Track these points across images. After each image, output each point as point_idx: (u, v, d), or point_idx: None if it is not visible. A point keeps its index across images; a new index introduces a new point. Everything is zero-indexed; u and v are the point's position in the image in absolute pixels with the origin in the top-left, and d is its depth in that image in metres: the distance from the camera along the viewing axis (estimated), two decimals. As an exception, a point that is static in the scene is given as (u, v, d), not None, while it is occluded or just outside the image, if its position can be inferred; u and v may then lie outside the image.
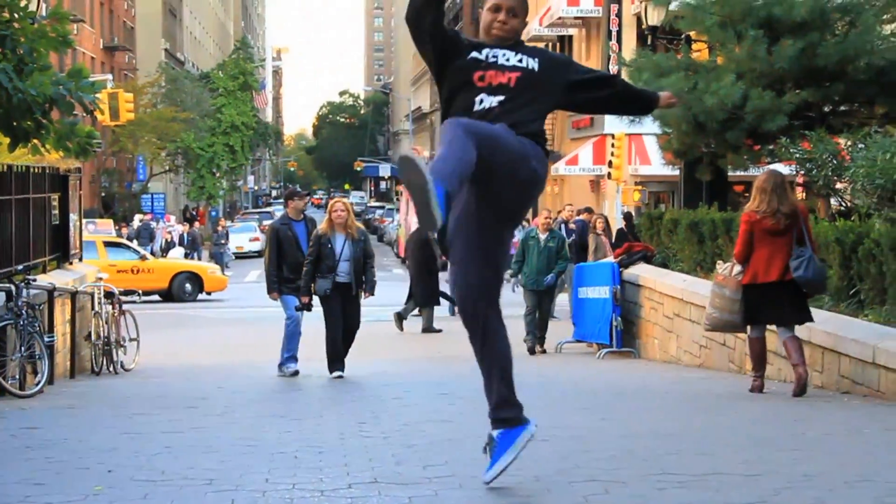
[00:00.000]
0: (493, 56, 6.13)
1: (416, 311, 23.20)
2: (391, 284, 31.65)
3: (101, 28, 63.34)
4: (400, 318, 22.76)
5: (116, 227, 44.12)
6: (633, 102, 6.73)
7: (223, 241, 47.67)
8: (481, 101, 6.04)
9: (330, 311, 13.64)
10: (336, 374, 13.37)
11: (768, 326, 10.82)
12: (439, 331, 22.14)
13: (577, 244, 23.66)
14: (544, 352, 18.06)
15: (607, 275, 17.51)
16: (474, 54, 6.15)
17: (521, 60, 6.16)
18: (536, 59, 6.18)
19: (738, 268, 10.71)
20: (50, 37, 11.22)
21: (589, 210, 27.05)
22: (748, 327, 10.86)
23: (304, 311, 13.95)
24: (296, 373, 13.71)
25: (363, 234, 13.96)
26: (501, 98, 6.03)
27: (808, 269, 10.24)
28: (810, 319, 10.65)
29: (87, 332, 15.38)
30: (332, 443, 7.74)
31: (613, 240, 22.85)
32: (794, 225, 10.39)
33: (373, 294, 13.99)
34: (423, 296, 22.57)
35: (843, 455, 7.10)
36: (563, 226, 24.60)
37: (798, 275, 10.27)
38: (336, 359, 13.51)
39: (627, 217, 26.28)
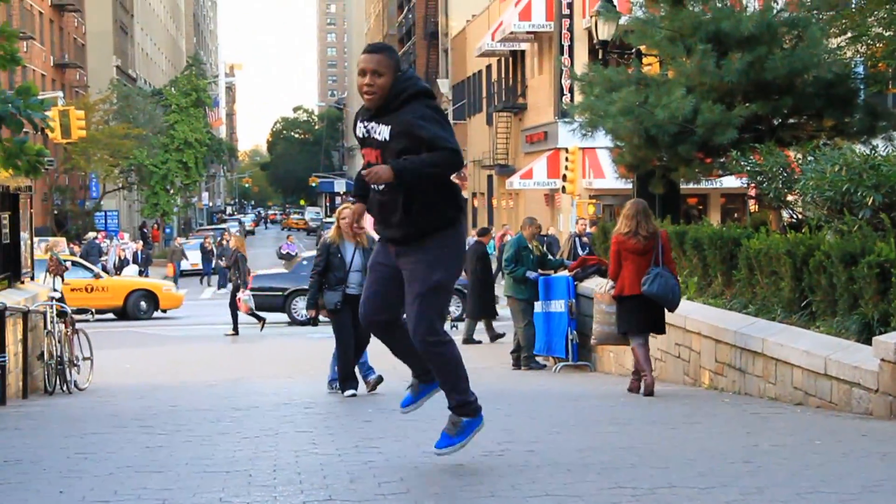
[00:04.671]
0: (366, 131, 6.87)
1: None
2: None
3: (52, 45, 62.93)
4: (468, 342, 22.84)
5: (70, 246, 43.76)
6: None
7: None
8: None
9: (341, 325, 12.78)
10: (350, 392, 12.69)
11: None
12: (479, 342, 22.59)
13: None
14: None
15: (563, 288, 17.56)
16: (359, 130, 6.94)
17: (379, 133, 6.81)
18: (389, 126, 6.77)
19: (609, 284, 12.37)
20: (-2, 55, 11.15)
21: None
22: (629, 339, 12.26)
23: (312, 326, 13.09)
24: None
25: (374, 243, 13.17)
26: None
27: (653, 284, 11.72)
28: (661, 332, 12.43)
29: (39, 352, 15.23)
30: (287, 461, 7.71)
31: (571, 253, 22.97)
32: (655, 246, 11.86)
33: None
34: (476, 307, 22.68)
35: (795, 467, 7.16)
36: (576, 239, 24.70)
37: (644, 289, 11.77)
38: (348, 377, 12.79)
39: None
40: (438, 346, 6.89)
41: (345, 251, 12.81)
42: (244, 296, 26.81)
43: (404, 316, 7.09)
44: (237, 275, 27.04)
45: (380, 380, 13.10)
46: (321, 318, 13.29)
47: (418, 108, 6.75)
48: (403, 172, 6.58)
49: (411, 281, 6.87)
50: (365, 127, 6.87)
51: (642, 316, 11.99)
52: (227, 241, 51.26)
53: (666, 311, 12.18)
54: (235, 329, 27.06)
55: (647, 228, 11.94)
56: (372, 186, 6.84)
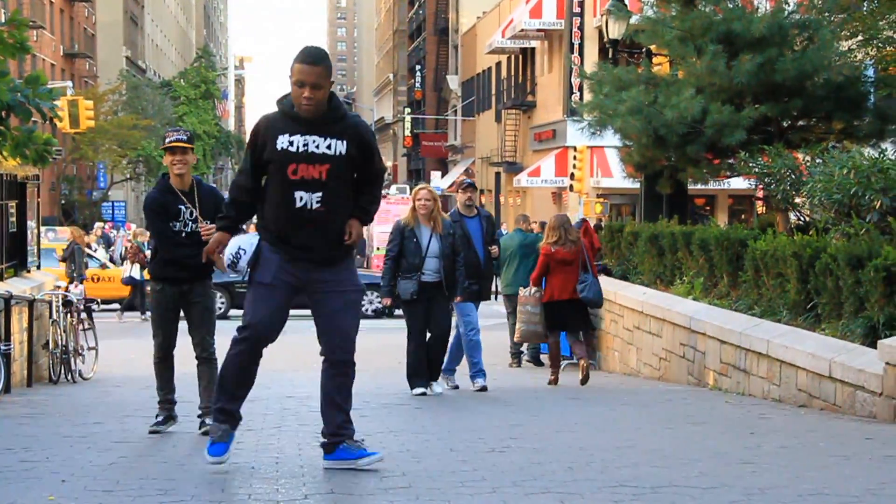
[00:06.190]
0: (304, 144, 6.60)
1: None
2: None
3: (62, 35, 62.94)
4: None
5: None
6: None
7: None
8: (301, 199, 6.60)
9: (413, 316, 11.87)
10: (418, 390, 11.78)
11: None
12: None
13: None
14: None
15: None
16: (283, 143, 6.61)
17: (330, 147, 6.61)
18: (342, 141, 6.63)
19: (534, 289, 14.03)
20: (7, 43, 11.13)
21: None
22: (552, 336, 14.20)
23: (386, 315, 12.42)
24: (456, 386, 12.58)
25: (451, 228, 12.00)
26: (319, 195, 6.59)
27: (590, 291, 13.80)
28: (592, 328, 15.28)
29: (44, 341, 15.26)
30: (290, 454, 7.72)
31: None
32: (580, 255, 13.79)
33: (461, 297, 12.16)
34: None
35: (798, 468, 7.15)
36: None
37: (583, 295, 13.81)
38: (418, 373, 11.87)
39: (596, 228, 26.32)
40: (353, 364, 6.91)
41: (421, 235, 11.78)
42: (75, 290, 25.88)
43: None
44: (73, 267, 26.47)
45: (484, 388, 12.46)
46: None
47: (368, 131, 6.86)
48: (368, 219, 6.94)
49: (337, 286, 6.77)
50: (301, 140, 6.58)
51: (569, 318, 13.95)
52: None
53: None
54: None
55: (573, 234, 14.00)
56: (300, 203, 6.58)
